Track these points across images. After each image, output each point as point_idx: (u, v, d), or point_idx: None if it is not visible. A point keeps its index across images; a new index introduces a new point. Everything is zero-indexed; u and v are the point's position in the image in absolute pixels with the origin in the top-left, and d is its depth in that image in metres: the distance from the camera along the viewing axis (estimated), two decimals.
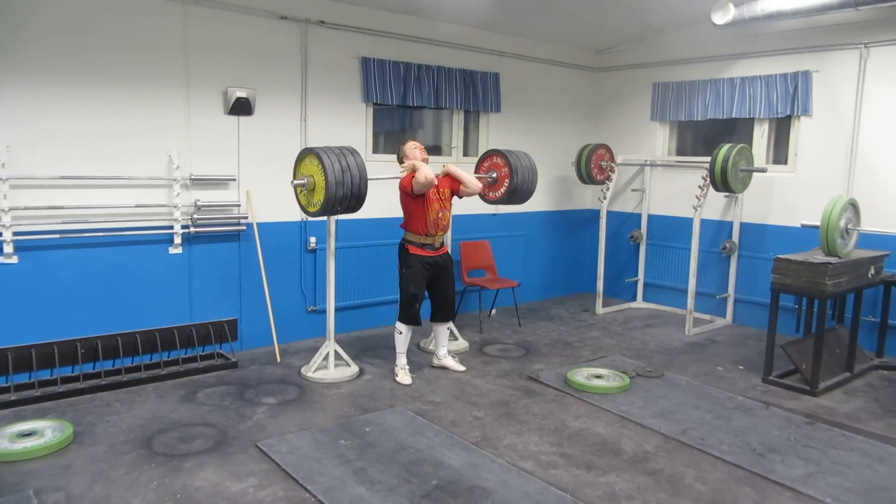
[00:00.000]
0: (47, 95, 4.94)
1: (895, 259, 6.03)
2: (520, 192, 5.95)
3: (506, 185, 5.91)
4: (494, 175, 5.99)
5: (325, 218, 5.48)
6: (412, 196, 5.28)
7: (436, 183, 5.26)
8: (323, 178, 4.67)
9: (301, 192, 4.98)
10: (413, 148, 5.45)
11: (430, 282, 5.50)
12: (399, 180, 5.38)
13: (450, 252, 5.72)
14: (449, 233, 5.92)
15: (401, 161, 5.51)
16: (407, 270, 5.40)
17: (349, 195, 4.77)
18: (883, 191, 6.28)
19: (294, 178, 5.03)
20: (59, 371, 4.94)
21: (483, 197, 6.12)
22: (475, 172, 6.13)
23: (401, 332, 5.44)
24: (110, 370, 5.14)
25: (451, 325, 5.92)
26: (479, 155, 7.63)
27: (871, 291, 6.15)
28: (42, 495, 3.53)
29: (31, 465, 3.85)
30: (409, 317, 5.39)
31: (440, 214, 5.41)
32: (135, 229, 5.41)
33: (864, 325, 6.21)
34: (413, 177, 5.19)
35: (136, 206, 5.39)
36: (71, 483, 3.67)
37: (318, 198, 4.78)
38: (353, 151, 4.87)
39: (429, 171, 5.17)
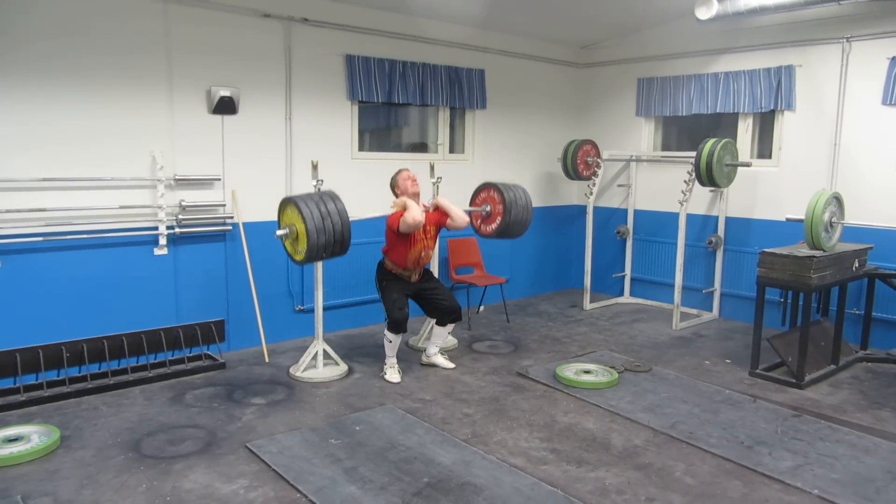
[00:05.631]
0: (29, 97, 4.88)
1: (879, 252, 6.09)
2: (513, 228, 5.83)
3: (499, 219, 5.83)
4: (488, 209, 5.92)
5: (315, 262, 5.35)
6: (397, 233, 5.26)
7: (422, 225, 5.24)
8: (303, 225, 4.64)
9: (286, 241, 4.94)
10: (405, 179, 5.42)
11: (419, 295, 5.53)
12: (387, 217, 5.33)
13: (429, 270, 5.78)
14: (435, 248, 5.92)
15: (393, 188, 5.50)
16: (387, 283, 5.41)
17: (332, 241, 4.70)
18: (866, 184, 6.34)
19: (278, 227, 4.98)
20: (45, 375, 4.89)
21: (476, 231, 6.10)
22: (470, 205, 6.08)
23: (390, 341, 5.40)
24: (96, 373, 5.10)
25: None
26: (475, 151, 7.66)
27: (855, 284, 6.21)
28: (30, 501, 3.49)
29: (17, 471, 3.81)
30: (397, 324, 5.30)
31: (423, 254, 5.45)
32: (119, 231, 5.36)
33: (849, 317, 6.28)
34: (401, 215, 5.16)
35: (121, 208, 5.34)
36: (59, 488, 3.63)
37: (302, 245, 4.72)
38: (333, 197, 4.79)
39: (417, 212, 5.13)
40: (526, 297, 8.42)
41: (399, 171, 5.50)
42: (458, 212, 5.48)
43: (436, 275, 6.36)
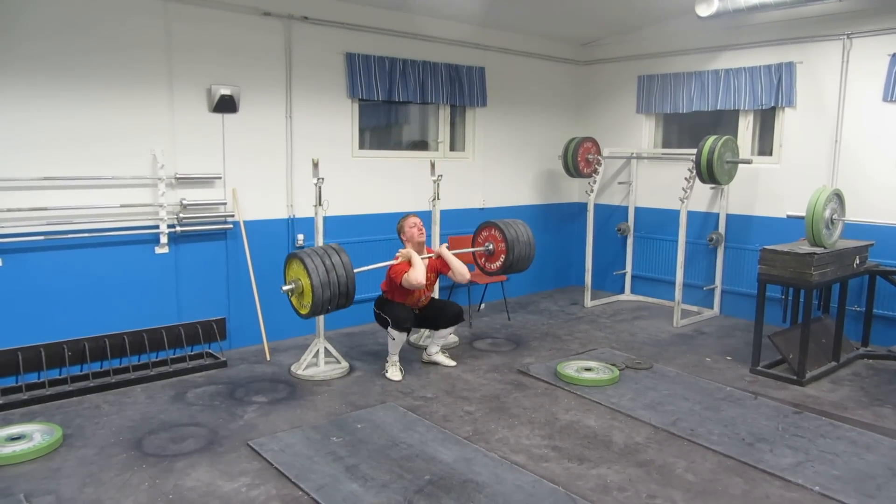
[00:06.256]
0: (30, 97, 4.88)
1: (880, 248, 6.09)
2: (517, 265, 5.82)
3: (503, 258, 5.81)
4: (491, 247, 5.89)
5: (319, 316, 5.34)
6: (398, 284, 5.28)
7: (423, 286, 5.28)
8: (308, 280, 4.64)
9: (291, 296, 4.94)
10: (412, 227, 5.44)
11: (421, 316, 5.56)
12: (389, 267, 5.34)
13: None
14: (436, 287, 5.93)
15: (399, 233, 5.52)
16: (388, 306, 5.40)
17: (337, 294, 4.73)
18: (867, 181, 6.33)
19: (284, 283, 4.98)
20: (47, 374, 4.89)
21: (483, 269, 6.08)
22: (472, 246, 6.05)
23: (394, 339, 5.39)
24: (98, 372, 5.10)
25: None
26: (476, 150, 7.65)
27: (856, 281, 6.21)
28: (32, 499, 3.50)
29: (20, 469, 3.82)
30: (401, 321, 5.32)
31: (423, 298, 5.52)
32: (120, 229, 5.36)
33: (850, 314, 6.27)
34: (405, 271, 5.18)
35: (121, 206, 5.34)
36: (61, 486, 3.64)
37: (308, 300, 4.73)
38: (337, 250, 4.81)
39: (421, 274, 5.16)
40: (527, 295, 8.42)
41: (406, 217, 5.52)
42: (461, 268, 5.47)
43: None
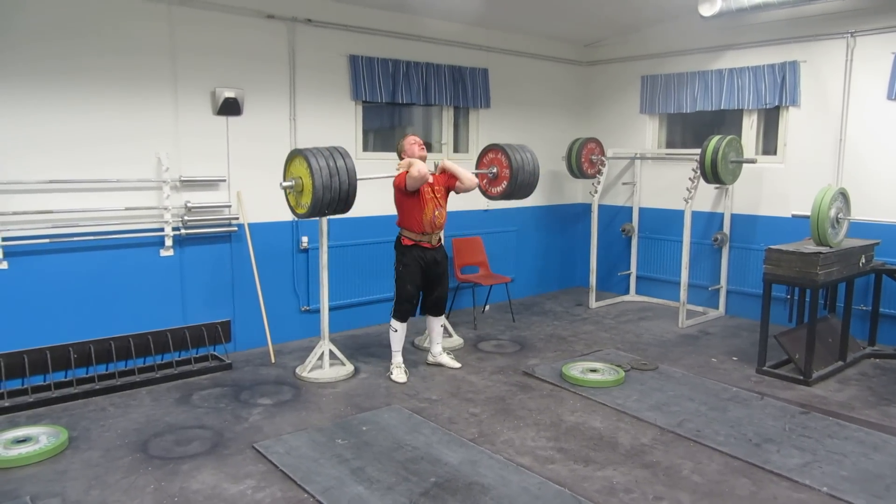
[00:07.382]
0: (35, 100, 4.89)
1: (886, 247, 6.07)
2: (519, 192, 5.83)
3: (505, 183, 5.83)
4: (495, 170, 5.91)
5: (316, 218, 5.42)
6: (407, 194, 5.26)
7: (429, 179, 5.23)
8: (310, 180, 4.63)
9: (290, 193, 4.94)
10: (412, 143, 5.42)
11: (425, 280, 5.49)
12: (393, 179, 5.34)
13: (443, 244, 5.70)
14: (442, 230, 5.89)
15: (399, 154, 5.51)
16: (404, 269, 5.39)
17: (337, 198, 4.69)
18: (872, 179, 6.31)
19: (283, 179, 4.99)
20: (53, 376, 4.91)
21: (484, 193, 6.09)
22: (476, 168, 6.08)
23: (396, 330, 5.43)
24: (104, 374, 5.11)
25: (445, 321, 5.89)
26: (480, 149, 7.65)
27: (862, 280, 6.19)
28: (38, 501, 3.51)
29: (26, 472, 3.82)
30: (403, 313, 5.38)
31: (436, 213, 5.39)
32: (125, 232, 5.37)
33: (856, 313, 6.24)
34: (407, 173, 5.17)
35: (126, 209, 5.35)
36: (67, 488, 3.64)
37: (306, 199, 4.71)
38: (343, 153, 4.77)
39: (422, 165, 5.15)
40: (531, 296, 8.41)
41: (405, 136, 5.52)
42: (466, 173, 5.47)
43: None
